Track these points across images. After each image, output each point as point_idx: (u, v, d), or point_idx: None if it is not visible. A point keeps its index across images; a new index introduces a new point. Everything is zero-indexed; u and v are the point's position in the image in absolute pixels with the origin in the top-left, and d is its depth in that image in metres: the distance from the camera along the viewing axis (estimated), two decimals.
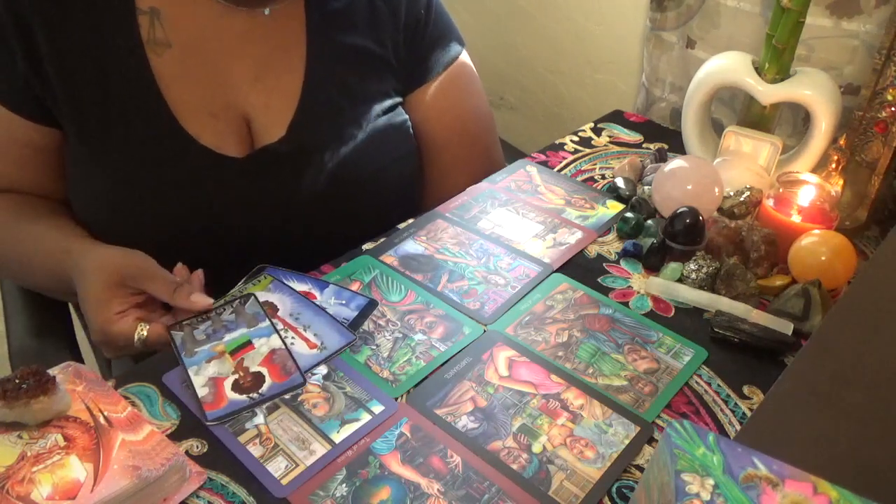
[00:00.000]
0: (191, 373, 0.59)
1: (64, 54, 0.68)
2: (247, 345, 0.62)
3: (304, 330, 0.64)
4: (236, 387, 0.58)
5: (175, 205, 0.71)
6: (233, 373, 0.59)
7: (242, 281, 0.70)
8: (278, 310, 0.66)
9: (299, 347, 0.62)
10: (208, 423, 0.55)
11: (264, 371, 0.60)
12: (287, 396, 0.58)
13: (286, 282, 0.69)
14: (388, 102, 0.81)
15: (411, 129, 0.84)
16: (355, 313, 0.66)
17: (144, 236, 0.70)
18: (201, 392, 0.57)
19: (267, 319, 0.64)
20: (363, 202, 0.79)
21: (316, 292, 0.69)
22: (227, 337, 0.63)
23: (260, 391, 0.58)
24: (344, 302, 0.68)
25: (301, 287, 0.69)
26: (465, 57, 0.89)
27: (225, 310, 0.65)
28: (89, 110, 0.69)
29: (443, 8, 0.87)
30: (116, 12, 0.69)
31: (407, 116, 0.84)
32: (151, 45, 0.70)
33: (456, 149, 0.89)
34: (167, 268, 0.73)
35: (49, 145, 0.72)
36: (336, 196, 0.77)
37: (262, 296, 0.67)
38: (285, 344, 0.62)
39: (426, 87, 0.85)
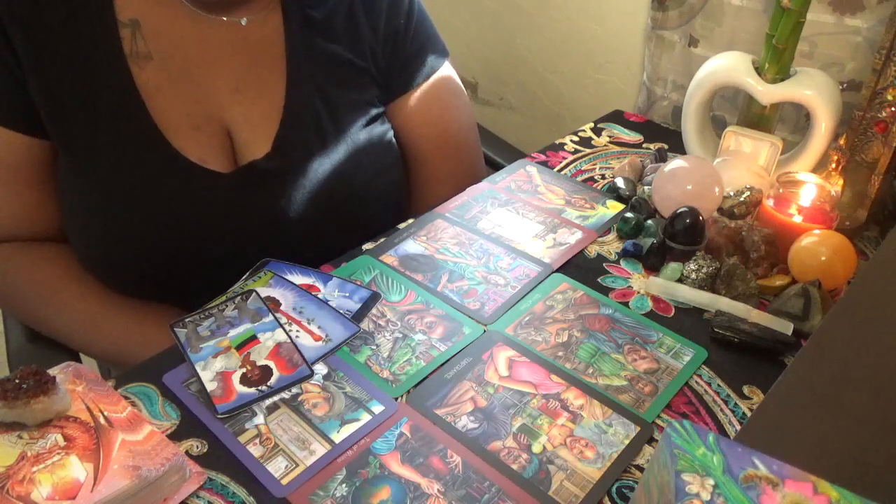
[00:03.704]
0: (198, 368, 0.59)
1: (46, 69, 0.66)
2: (252, 339, 0.62)
3: (309, 323, 0.64)
4: (244, 380, 0.58)
5: (162, 218, 0.70)
6: (240, 367, 0.59)
7: (244, 277, 0.70)
8: (280, 304, 0.66)
9: (304, 340, 0.63)
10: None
11: (271, 364, 0.60)
12: (287, 396, 0.58)
13: (289, 276, 0.70)
14: (370, 113, 0.80)
15: (394, 139, 0.84)
16: (358, 305, 0.67)
17: (132, 250, 0.70)
18: (210, 386, 0.57)
19: (270, 314, 0.64)
20: (350, 215, 0.78)
21: (320, 285, 0.69)
22: (232, 332, 0.63)
23: (268, 384, 0.58)
24: (347, 294, 0.68)
25: (305, 280, 0.69)
26: (448, 68, 0.88)
27: (227, 306, 0.65)
28: (74, 124, 0.68)
29: (425, 18, 0.86)
30: (98, 25, 0.67)
31: (389, 125, 0.83)
32: (133, 57, 0.68)
33: (438, 160, 0.88)
34: (161, 281, 0.73)
35: (45, 160, 0.71)
36: (323, 210, 0.76)
37: (264, 291, 0.67)
38: (290, 337, 0.62)
39: (407, 96, 0.84)
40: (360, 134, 0.78)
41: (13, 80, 0.67)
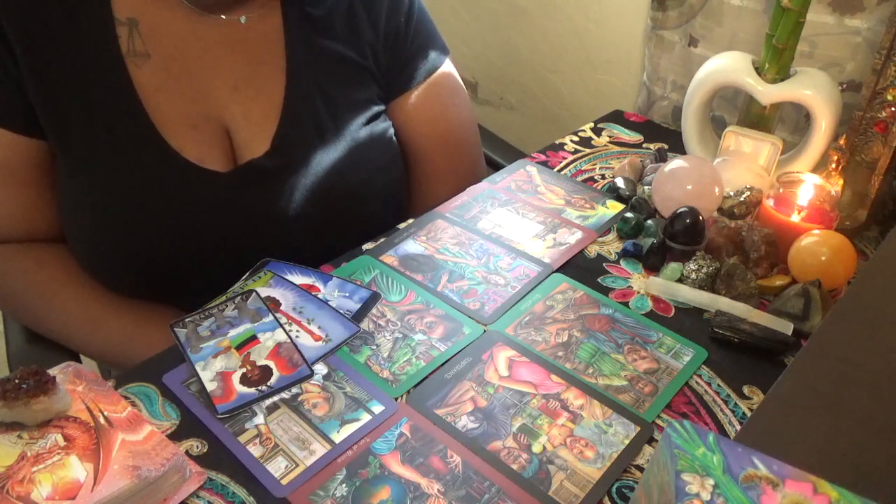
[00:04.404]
0: (198, 368, 0.59)
1: (43, 68, 0.66)
2: (252, 339, 0.62)
3: (309, 323, 0.64)
4: (244, 380, 0.58)
5: (160, 218, 0.70)
6: (240, 367, 0.59)
7: (244, 277, 0.70)
8: (280, 304, 0.66)
9: (304, 340, 0.63)
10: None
11: (271, 364, 0.60)
12: (287, 396, 0.58)
13: (289, 276, 0.70)
14: (370, 111, 0.80)
15: (394, 137, 0.84)
16: (358, 305, 0.67)
17: (131, 251, 0.69)
18: (210, 386, 0.57)
19: (270, 314, 0.64)
20: (350, 212, 0.78)
21: (320, 285, 0.69)
22: (232, 332, 0.63)
23: (268, 384, 0.58)
24: (347, 294, 0.68)
25: (305, 280, 0.69)
26: (448, 66, 0.88)
27: (227, 306, 0.65)
28: (72, 124, 0.67)
29: (426, 16, 0.86)
30: (95, 24, 0.67)
31: (389, 123, 0.83)
32: (131, 56, 0.68)
33: (438, 158, 0.88)
34: (160, 281, 0.73)
35: (43, 161, 0.70)
36: (322, 210, 0.76)
37: (264, 291, 0.67)
38: (290, 337, 0.62)
39: (407, 95, 0.84)
40: (360, 132, 0.78)
41: (10, 80, 0.67)
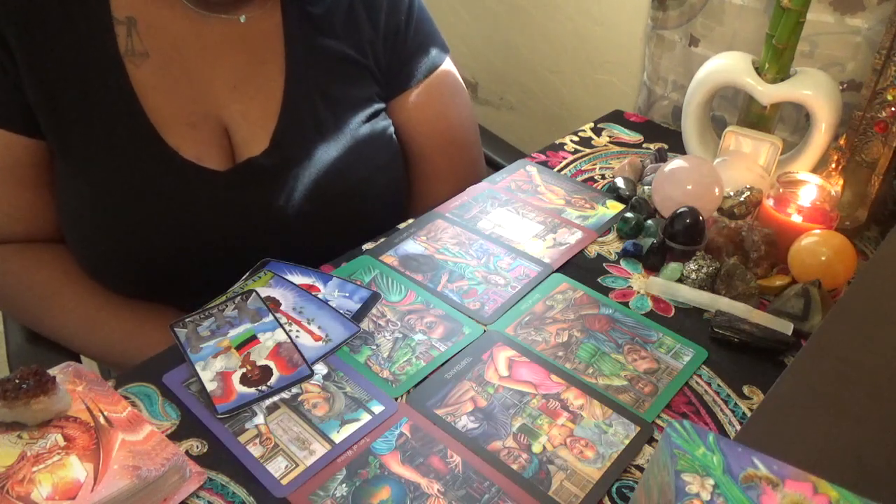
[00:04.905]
0: (198, 368, 0.59)
1: (42, 67, 0.66)
2: (252, 339, 0.62)
3: (309, 323, 0.64)
4: (244, 380, 0.58)
5: (159, 217, 0.69)
6: (240, 367, 0.59)
7: (244, 277, 0.70)
8: (280, 304, 0.66)
9: (304, 340, 0.63)
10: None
11: (271, 364, 0.60)
12: (287, 396, 0.58)
13: (289, 276, 0.70)
14: (370, 109, 0.80)
15: (394, 136, 0.84)
16: (358, 305, 0.67)
17: (130, 250, 0.69)
18: (210, 386, 0.57)
19: (270, 314, 0.64)
20: (350, 211, 0.78)
21: (320, 285, 0.69)
22: (232, 332, 0.63)
23: (268, 384, 0.58)
24: (347, 294, 0.68)
25: (305, 280, 0.69)
26: (448, 65, 0.88)
27: (227, 306, 0.65)
28: (70, 124, 0.67)
29: (426, 14, 0.86)
30: (93, 23, 0.67)
31: (389, 121, 0.83)
32: (129, 55, 0.68)
33: (438, 157, 0.88)
34: (160, 280, 0.73)
35: (41, 161, 0.70)
36: (321, 208, 0.75)
37: (264, 291, 0.67)
38: (290, 337, 0.62)
39: (407, 93, 0.84)
40: (359, 130, 0.78)
41: (9, 79, 0.66)
